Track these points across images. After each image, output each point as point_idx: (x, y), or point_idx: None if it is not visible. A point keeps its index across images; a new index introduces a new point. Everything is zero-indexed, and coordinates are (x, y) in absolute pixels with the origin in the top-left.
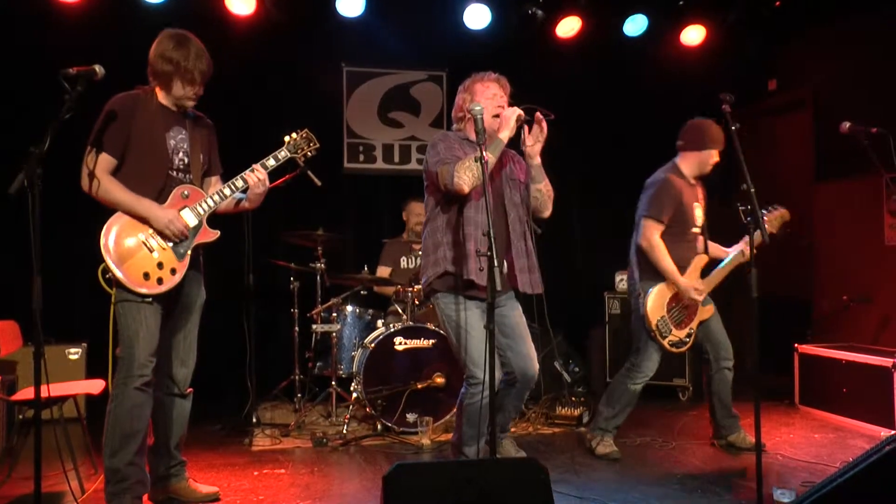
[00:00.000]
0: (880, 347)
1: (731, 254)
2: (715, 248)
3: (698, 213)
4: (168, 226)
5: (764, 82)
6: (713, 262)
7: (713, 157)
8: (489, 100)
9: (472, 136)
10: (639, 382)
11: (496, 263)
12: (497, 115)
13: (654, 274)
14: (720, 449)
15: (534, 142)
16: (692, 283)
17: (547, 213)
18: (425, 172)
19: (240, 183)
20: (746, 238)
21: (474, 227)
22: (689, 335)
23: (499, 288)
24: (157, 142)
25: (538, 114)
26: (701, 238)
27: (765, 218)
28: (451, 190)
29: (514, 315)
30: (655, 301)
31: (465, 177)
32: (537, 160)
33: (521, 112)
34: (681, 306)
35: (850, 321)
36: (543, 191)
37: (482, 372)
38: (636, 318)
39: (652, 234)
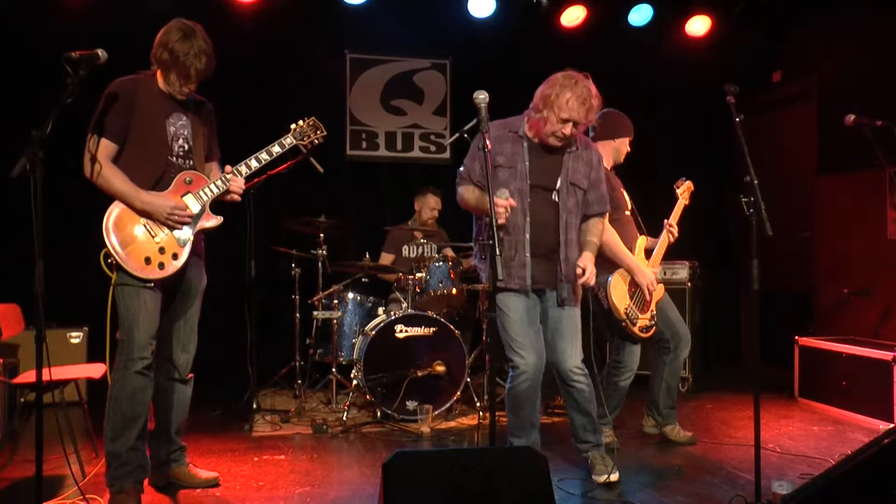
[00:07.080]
0: (881, 341)
1: (661, 238)
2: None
3: (626, 196)
4: (169, 218)
5: (768, 74)
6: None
7: (625, 145)
8: (556, 122)
9: (530, 134)
10: (626, 378)
11: (498, 253)
12: (554, 136)
13: (608, 266)
14: (645, 441)
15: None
16: (649, 269)
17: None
18: None
19: (244, 170)
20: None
21: (509, 230)
22: (652, 317)
23: (499, 278)
24: (157, 129)
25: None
26: (632, 220)
27: (677, 193)
28: None
29: (562, 311)
30: (617, 291)
31: (463, 200)
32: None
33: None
34: (639, 291)
35: (850, 314)
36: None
37: (517, 356)
38: (601, 314)
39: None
